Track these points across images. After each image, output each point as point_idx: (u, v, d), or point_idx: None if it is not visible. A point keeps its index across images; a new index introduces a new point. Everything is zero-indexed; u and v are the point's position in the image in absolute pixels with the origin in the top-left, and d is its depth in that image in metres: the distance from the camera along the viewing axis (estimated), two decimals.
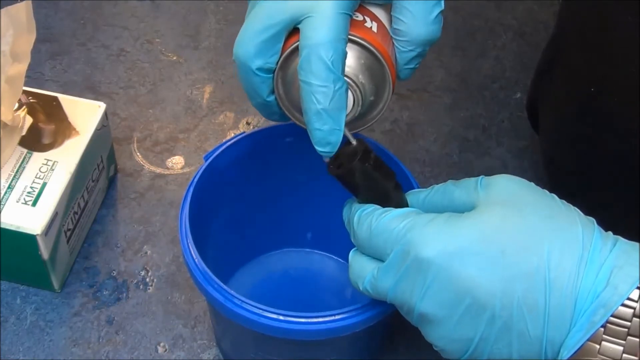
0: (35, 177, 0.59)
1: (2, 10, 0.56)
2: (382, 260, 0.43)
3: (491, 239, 0.40)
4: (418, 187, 0.50)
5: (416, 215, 0.43)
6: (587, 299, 0.38)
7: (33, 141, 0.62)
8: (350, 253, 0.46)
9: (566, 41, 0.61)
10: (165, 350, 0.59)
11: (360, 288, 0.45)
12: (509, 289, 0.39)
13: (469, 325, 0.40)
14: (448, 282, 0.40)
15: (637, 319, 0.37)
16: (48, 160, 0.61)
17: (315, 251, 0.64)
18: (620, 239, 0.40)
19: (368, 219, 0.44)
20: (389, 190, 0.45)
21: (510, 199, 0.41)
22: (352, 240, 0.46)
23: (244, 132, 0.56)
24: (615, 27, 0.54)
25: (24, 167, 0.60)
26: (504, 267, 0.39)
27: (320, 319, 0.47)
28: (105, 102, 0.65)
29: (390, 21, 0.47)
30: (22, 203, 0.58)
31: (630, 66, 0.52)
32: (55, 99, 0.64)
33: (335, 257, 0.64)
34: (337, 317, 0.47)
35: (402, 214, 0.43)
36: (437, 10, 0.46)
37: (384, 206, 0.45)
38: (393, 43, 0.47)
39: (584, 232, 0.40)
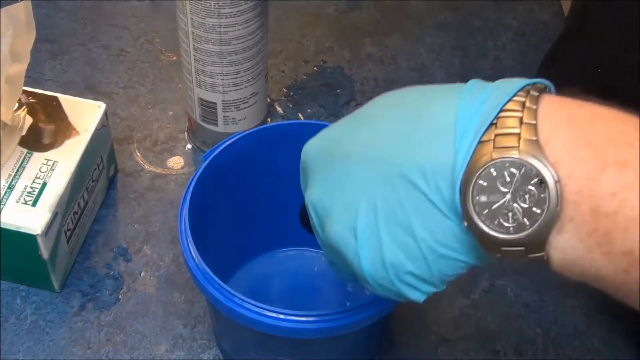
0: (36, 177, 0.59)
1: (2, 10, 0.56)
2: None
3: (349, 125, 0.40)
4: None
5: None
6: (469, 118, 0.35)
7: (33, 141, 0.62)
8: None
9: (574, 25, 0.60)
10: (165, 350, 0.59)
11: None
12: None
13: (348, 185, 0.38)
14: (321, 164, 0.40)
15: (529, 105, 0.34)
16: (48, 160, 0.61)
17: (316, 251, 0.64)
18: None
19: None
20: None
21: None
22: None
23: (243, 132, 0.56)
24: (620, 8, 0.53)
25: (24, 167, 0.60)
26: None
27: (321, 318, 0.47)
28: (105, 102, 0.65)
29: None
30: (22, 203, 0.58)
31: (635, 43, 0.52)
32: (55, 99, 0.64)
33: None
34: (337, 315, 0.47)
35: None
36: None
37: None
38: None
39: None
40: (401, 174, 0.36)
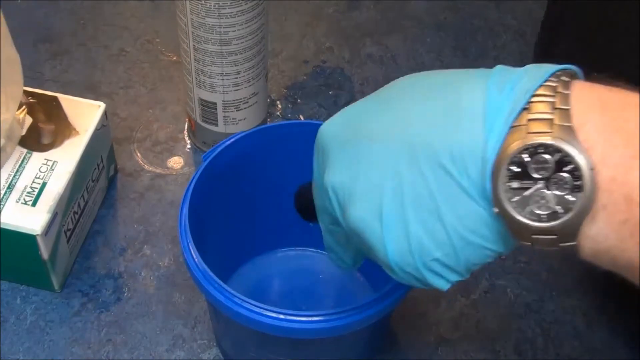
0: (35, 177, 0.59)
1: None
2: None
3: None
4: None
5: None
6: (500, 102, 0.34)
7: (33, 141, 0.62)
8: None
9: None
10: (165, 350, 0.59)
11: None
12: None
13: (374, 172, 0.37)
14: (342, 144, 0.39)
15: (561, 90, 0.34)
16: (48, 160, 0.61)
17: (316, 251, 0.64)
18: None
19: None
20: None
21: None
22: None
23: (243, 132, 0.56)
24: None
25: (23, 167, 0.60)
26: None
27: (321, 318, 0.47)
28: (105, 102, 0.65)
29: None
30: (22, 203, 0.58)
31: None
32: (55, 98, 0.64)
33: None
34: (337, 315, 0.47)
35: None
36: None
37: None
38: None
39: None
40: (429, 156, 0.35)
